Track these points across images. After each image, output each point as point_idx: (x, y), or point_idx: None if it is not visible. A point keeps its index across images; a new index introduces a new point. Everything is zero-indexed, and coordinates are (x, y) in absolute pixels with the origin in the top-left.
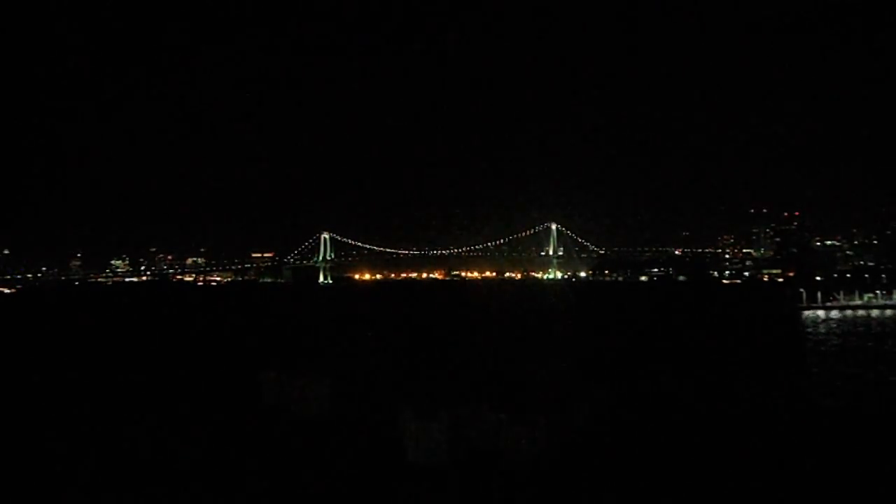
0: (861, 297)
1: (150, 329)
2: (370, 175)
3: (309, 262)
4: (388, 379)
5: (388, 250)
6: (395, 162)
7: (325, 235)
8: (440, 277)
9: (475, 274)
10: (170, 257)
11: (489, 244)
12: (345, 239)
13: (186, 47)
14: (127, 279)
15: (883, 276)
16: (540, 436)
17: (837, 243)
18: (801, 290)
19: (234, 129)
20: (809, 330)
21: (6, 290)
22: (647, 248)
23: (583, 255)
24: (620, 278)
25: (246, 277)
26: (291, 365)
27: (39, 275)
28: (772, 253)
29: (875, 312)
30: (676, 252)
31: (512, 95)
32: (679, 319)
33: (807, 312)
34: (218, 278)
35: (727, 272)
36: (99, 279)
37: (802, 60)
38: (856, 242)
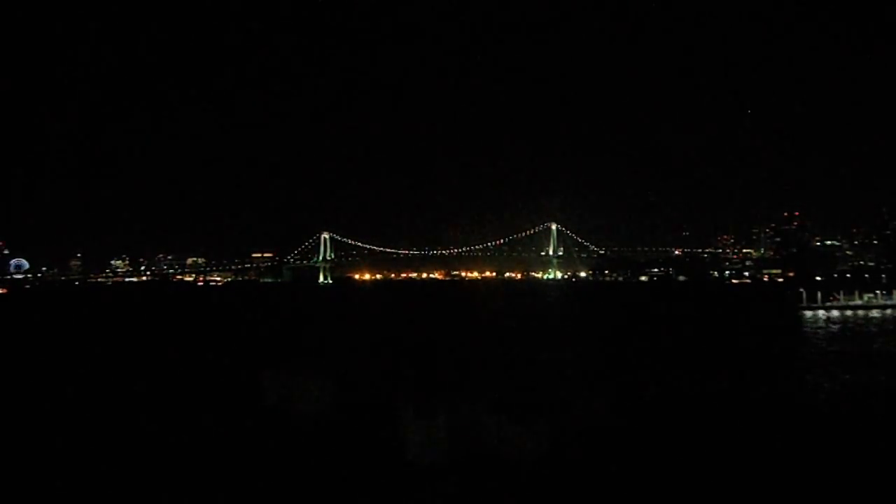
0: (861, 297)
1: (150, 329)
2: (370, 175)
3: (309, 262)
4: (388, 379)
5: (388, 250)
6: (395, 162)
7: (325, 235)
8: (440, 277)
9: (475, 274)
10: (170, 257)
11: (489, 244)
12: (345, 239)
13: (187, 47)
14: (127, 279)
15: (883, 276)
16: (540, 436)
17: (837, 243)
18: (801, 290)
19: (234, 128)
20: (809, 330)
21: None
22: (647, 248)
23: (583, 255)
24: (620, 278)
25: (246, 277)
26: (291, 365)
27: (39, 275)
28: (772, 253)
29: (875, 312)
30: (676, 252)
31: (512, 95)
32: (679, 319)
33: (807, 312)
34: (218, 278)
35: (727, 272)
36: (99, 279)
37: (802, 60)
38: (856, 242)
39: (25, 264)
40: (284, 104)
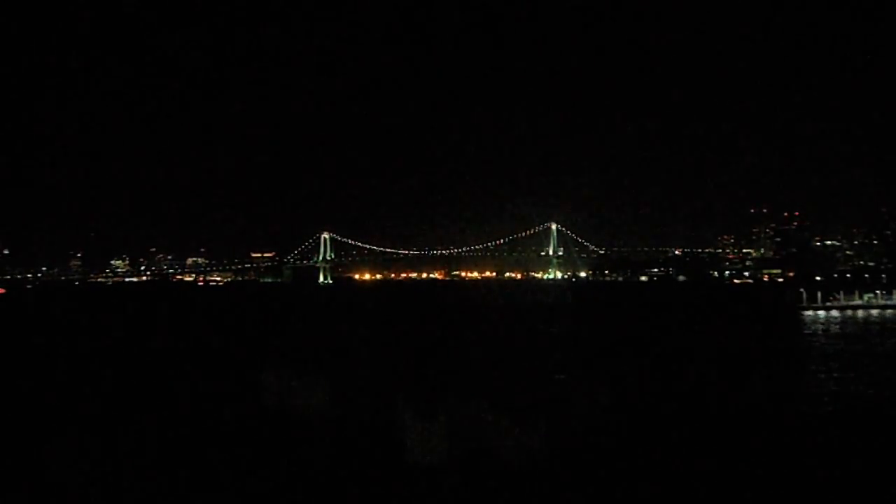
0: (861, 297)
1: (150, 329)
2: (371, 174)
3: (309, 262)
4: (388, 379)
5: (388, 250)
6: (395, 162)
7: (325, 235)
8: (440, 277)
9: (475, 274)
10: (170, 257)
11: (489, 244)
12: (345, 239)
13: (186, 46)
14: (127, 279)
15: (883, 276)
16: (540, 436)
17: (837, 243)
18: (801, 290)
19: (234, 128)
20: (809, 330)
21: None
22: (647, 248)
23: (583, 255)
24: (620, 278)
25: (246, 277)
26: (291, 365)
27: (39, 275)
28: (772, 253)
29: (875, 312)
30: (676, 252)
31: (512, 95)
32: (679, 319)
33: (807, 312)
34: (218, 278)
35: (727, 272)
36: (99, 279)
37: (802, 60)
38: (856, 242)
39: None
40: (284, 104)
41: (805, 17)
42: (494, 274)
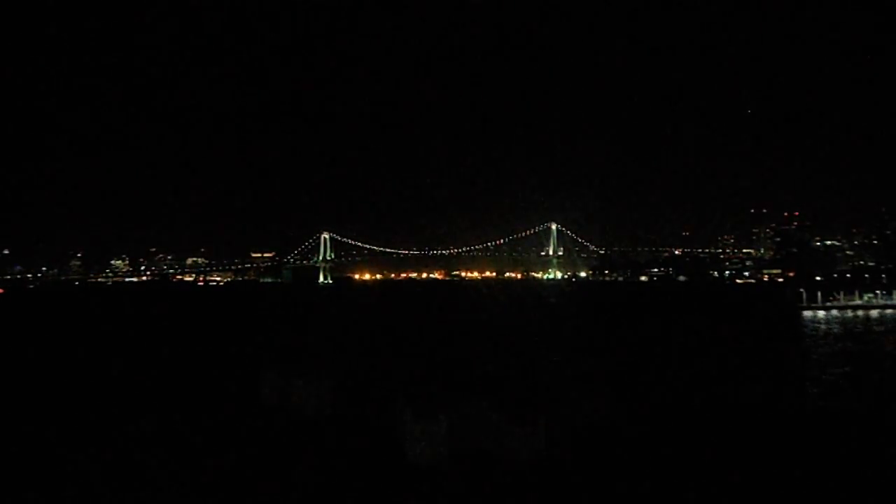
0: (861, 297)
1: (149, 329)
2: (370, 175)
3: (309, 262)
4: (388, 379)
5: (388, 250)
6: (395, 162)
7: (325, 235)
8: (440, 277)
9: (475, 274)
10: (170, 257)
11: (489, 244)
12: (345, 239)
13: (186, 47)
14: (127, 279)
15: (883, 276)
16: (540, 436)
17: (837, 243)
18: (801, 290)
19: (234, 128)
20: (809, 330)
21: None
22: (647, 248)
23: (583, 255)
24: (620, 278)
25: (246, 277)
26: (291, 365)
27: (39, 275)
28: (772, 253)
29: (875, 312)
30: (676, 252)
31: (512, 95)
32: (678, 318)
33: (807, 312)
34: (218, 278)
35: (728, 272)
36: (99, 279)
37: (802, 60)
38: (856, 242)
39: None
40: (284, 104)
41: (805, 17)
42: (494, 274)
